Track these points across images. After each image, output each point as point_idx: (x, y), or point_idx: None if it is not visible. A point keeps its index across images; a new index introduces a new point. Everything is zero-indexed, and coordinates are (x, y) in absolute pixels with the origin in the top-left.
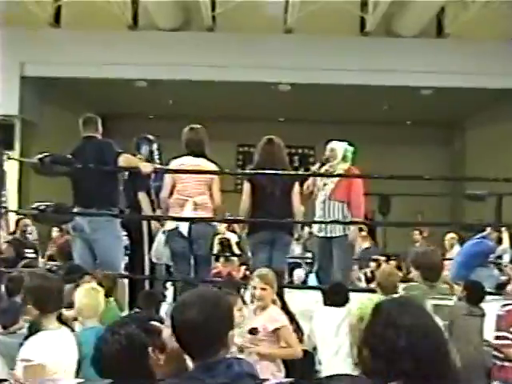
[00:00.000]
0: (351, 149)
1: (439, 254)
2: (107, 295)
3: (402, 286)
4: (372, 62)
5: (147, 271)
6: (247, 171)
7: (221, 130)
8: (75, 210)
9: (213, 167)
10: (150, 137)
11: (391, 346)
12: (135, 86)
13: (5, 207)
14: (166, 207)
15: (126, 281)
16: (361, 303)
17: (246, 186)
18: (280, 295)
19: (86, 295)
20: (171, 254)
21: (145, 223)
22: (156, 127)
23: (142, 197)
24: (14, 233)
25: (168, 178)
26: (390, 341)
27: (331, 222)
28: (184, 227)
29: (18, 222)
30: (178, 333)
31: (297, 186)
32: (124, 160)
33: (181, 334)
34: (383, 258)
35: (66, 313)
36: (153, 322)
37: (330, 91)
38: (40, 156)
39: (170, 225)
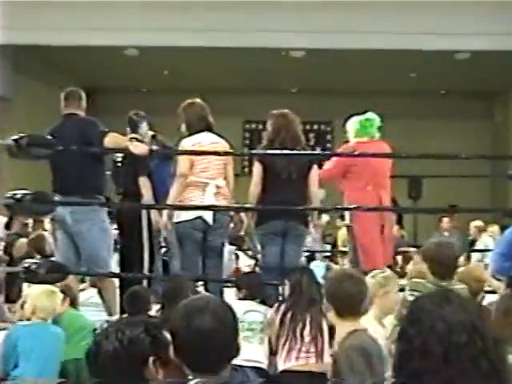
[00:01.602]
0: (364, 119)
1: (455, 249)
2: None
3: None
4: (398, 23)
5: (146, 270)
6: (264, 151)
7: (224, 104)
8: (56, 198)
9: (227, 146)
10: (142, 113)
11: (409, 342)
12: (124, 55)
13: None
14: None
15: (116, 281)
16: None
17: (258, 168)
18: None
19: (42, 296)
20: (184, 249)
21: (144, 213)
22: (149, 102)
23: (143, 182)
24: (8, 227)
25: (185, 159)
26: (409, 337)
27: (351, 208)
28: (209, 214)
29: (12, 215)
30: (187, 342)
31: (315, 168)
32: (111, 140)
33: (190, 343)
34: (413, 250)
35: None
36: (164, 332)
37: (350, 57)
38: (15, 137)
39: (187, 214)
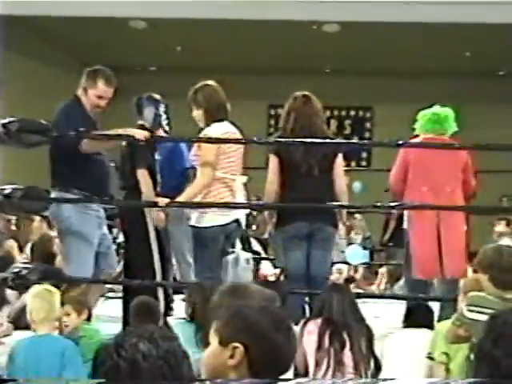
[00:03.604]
0: (430, 113)
1: None
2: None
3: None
4: None
5: (159, 277)
6: (279, 139)
7: (246, 85)
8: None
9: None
10: (156, 96)
11: (495, 365)
12: (131, 28)
13: None
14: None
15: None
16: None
17: (273, 162)
18: None
19: (36, 296)
20: (207, 255)
21: (148, 212)
22: (159, 82)
23: (142, 175)
24: None
25: (210, 146)
26: (494, 360)
27: (391, 206)
28: (243, 216)
29: None
30: None
31: (340, 158)
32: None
33: None
34: None
35: None
36: None
37: (393, 32)
38: (4, 121)
39: (220, 216)
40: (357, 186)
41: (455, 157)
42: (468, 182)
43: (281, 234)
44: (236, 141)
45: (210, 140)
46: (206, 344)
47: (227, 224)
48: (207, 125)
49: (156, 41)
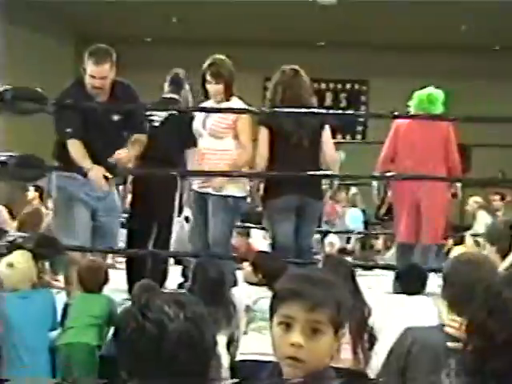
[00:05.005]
0: (424, 94)
1: None
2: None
3: None
4: None
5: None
6: (275, 109)
7: (242, 58)
8: None
9: None
10: (180, 72)
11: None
12: None
13: None
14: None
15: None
16: None
17: (263, 133)
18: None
19: (7, 264)
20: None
21: (179, 185)
22: (155, 53)
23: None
24: None
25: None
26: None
27: (382, 177)
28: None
29: None
30: None
31: (327, 130)
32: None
33: None
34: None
35: None
36: None
37: (389, 6)
38: None
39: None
40: (341, 156)
41: (438, 133)
42: (451, 158)
43: (270, 206)
44: (239, 111)
45: (214, 110)
46: None
47: (245, 197)
48: (227, 99)
49: (151, 12)
